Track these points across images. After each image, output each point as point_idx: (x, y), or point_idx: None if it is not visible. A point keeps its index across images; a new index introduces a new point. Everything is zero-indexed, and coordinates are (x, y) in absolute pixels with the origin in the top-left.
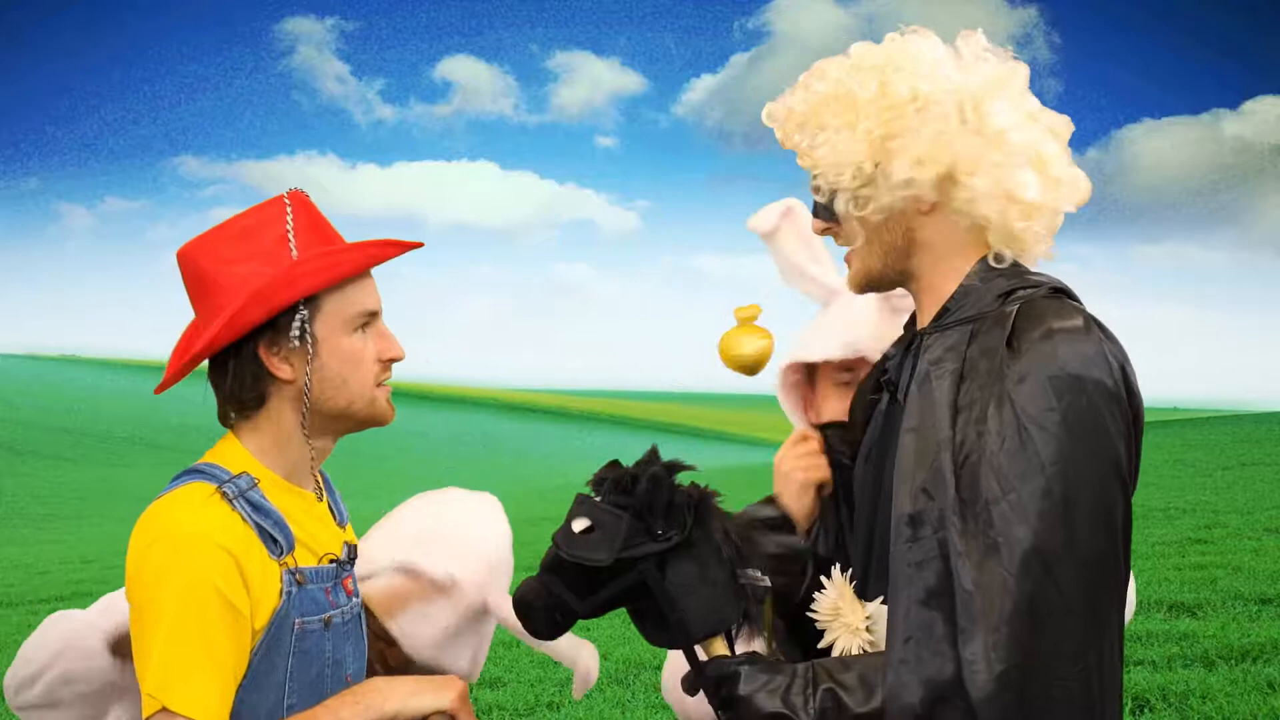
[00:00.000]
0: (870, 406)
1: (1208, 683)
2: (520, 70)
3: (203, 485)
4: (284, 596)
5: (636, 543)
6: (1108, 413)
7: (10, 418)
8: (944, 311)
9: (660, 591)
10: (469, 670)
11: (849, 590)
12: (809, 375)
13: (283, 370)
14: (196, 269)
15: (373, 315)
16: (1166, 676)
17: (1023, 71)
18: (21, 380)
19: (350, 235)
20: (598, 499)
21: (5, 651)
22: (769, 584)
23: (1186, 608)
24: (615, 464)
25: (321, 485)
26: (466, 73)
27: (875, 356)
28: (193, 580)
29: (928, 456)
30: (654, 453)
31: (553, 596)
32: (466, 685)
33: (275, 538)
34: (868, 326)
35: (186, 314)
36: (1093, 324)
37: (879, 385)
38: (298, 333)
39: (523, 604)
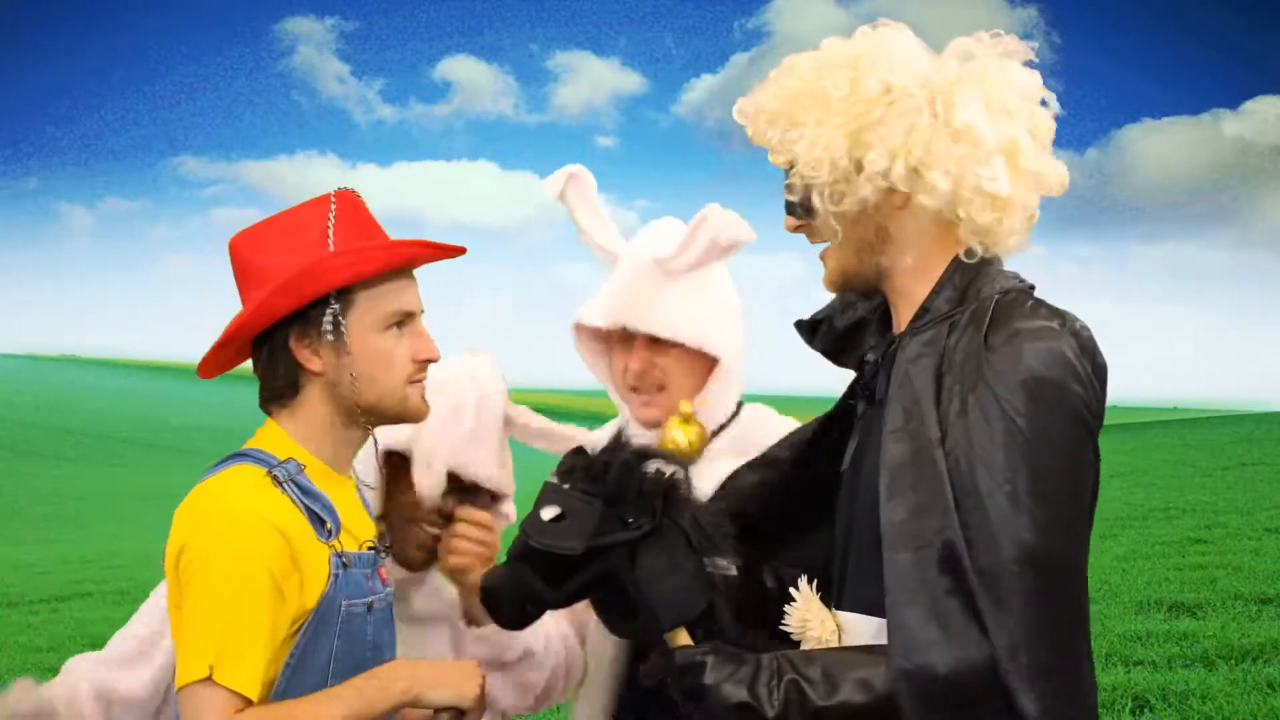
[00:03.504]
0: (848, 414)
1: (1208, 683)
2: (520, 70)
3: (253, 468)
4: (332, 578)
5: (608, 531)
6: (1074, 410)
7: (10, 418)
8: (922, 312)
9: (630, 581)
10: (501, 478)
11: (816, 601)
12: (623, 333)
13: (312, 362)
14: (241, 258)
15: (408, 316)
16: (1166, 676)
17: (1009, 65)
18: (21, 380)
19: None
20: (566, 487)
21: (5, 651)
22: (736, 573)
23: (1186, 608)
24: (580, 451)
25: (355, 474)
26: (466, 73)
27: (639, 325)
28: (247, 559)
29: (920, 458)
30: (621, 439)
31: (522, 585)
32: (485, 678)
33: (324, 520)
34: (631, 295)
35: (187, 314)
36: (1061, 323)
37: (854, 392)
38: (330, 326)
39: (491, 593)
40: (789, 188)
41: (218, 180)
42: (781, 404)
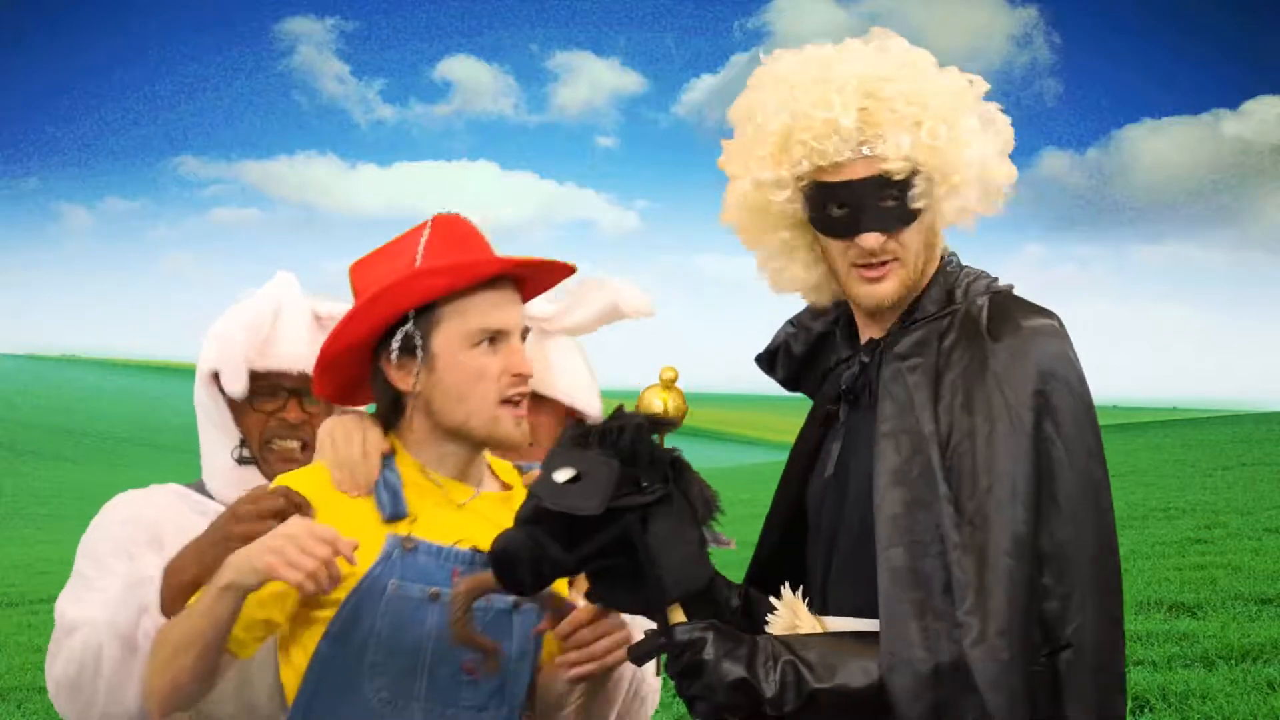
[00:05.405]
0: (824, 421)
1: (1208, 683)
2: (520, 70)
3: None
4: (383, 557)
5: (624, 493)
6: (1079, 406)
7: (10, 418)
8: (910, 313)
9: (642, 546)
10: None
11: (803, 607)
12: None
13: (402, 381)
14: (352, 285)
15: (500, 333)
16: (1166, 676)
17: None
18: (21, 380)
19: (350, 235)
20: (579, 449)
21: (5, 651)
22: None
23: (1186, 608)
24: (580, 421)
25: (482, 483)
26: (466, 73)
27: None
28: None
29: (914, 455)
30: (623, 409)
31: (539, 548)
32: (308, 526)
33: (385, 502)
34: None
35: (187, 314)
36: (1059, 322)
37: (834, 399)
38: (399, 344)
39: (506, 557)
40: (902, 191)
41: (218, 180)
42: (785, 404)
